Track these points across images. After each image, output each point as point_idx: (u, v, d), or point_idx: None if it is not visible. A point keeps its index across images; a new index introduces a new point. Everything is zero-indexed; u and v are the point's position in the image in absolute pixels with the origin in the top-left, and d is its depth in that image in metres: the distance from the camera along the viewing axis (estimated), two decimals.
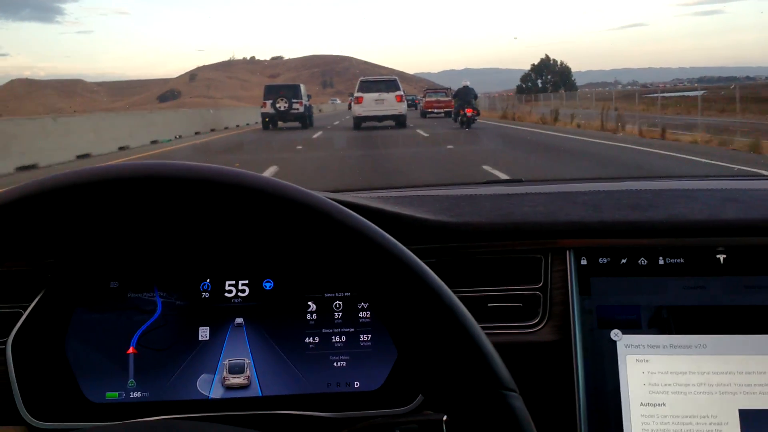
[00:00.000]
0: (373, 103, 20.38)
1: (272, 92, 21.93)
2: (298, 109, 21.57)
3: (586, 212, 0.80)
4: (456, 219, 0.80)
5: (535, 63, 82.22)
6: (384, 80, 21.90)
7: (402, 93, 21.08)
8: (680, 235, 0.74)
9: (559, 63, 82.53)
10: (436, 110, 29.96)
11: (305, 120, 22.23)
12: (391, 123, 20.62)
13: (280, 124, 21.80)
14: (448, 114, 28.80)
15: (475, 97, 19.55)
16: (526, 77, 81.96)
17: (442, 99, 30.62)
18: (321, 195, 0.44)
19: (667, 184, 0.96)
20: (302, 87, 23.04)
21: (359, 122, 20.62)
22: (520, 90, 74.42)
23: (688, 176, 1.12)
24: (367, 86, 21.00)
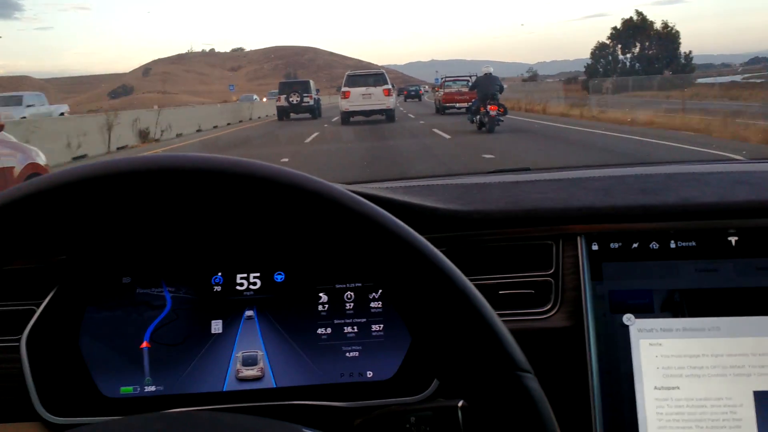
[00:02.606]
0: (360, 98, 20.10)
1: (286, 88, 25.89)
2: (308, 102, 25.09)
3: (597, 197, 0.79)
4: (466, 207, 0.80)
5: (617, 27, 51.92)
6: (371, 74, 21.76)
7: (390, 87, 20.69)
8: (691, 218, 0.74)
9: (659, 25, 50.31)
10: (457, 105, 22.93)
11: (314, 111, 25.77)
12: (381, 117, 20.37)
13: (292, 115, 25.55)
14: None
15: (501, 89, 14.47)
16: (600, 50, 51.93)
17: (464, 90, 23.56)
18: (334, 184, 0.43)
19: (676, 168, 0.96)
20: (311, 83, 26.57)
21: (347, 117, 20.28)
22: (591, 72, 49.79)
23: (698, 161, 1.11)
24: (354, 80, 20.75)
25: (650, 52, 50.12)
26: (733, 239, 0.73)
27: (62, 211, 0.41)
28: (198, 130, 21.06)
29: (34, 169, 4.76)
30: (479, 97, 14.31)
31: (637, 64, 50.02)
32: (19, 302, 0.78)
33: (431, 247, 0.42)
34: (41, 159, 4.96)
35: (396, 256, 0.41)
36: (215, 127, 23.07)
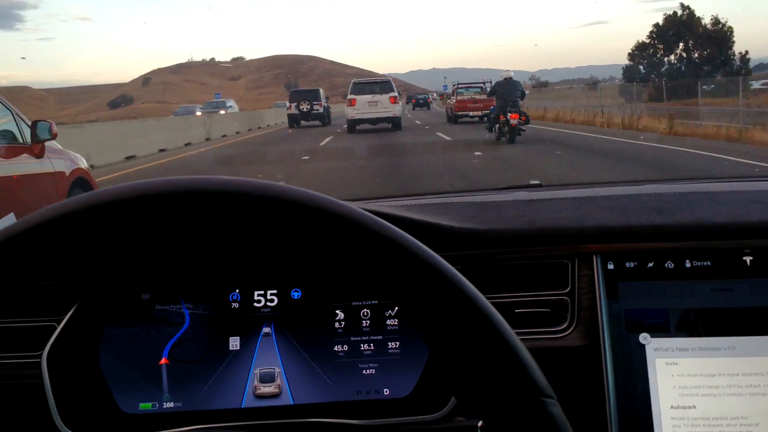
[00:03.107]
0: (366, 105, 19.96)
1: (296, 96, 26.73)
2: (318, 109, 25.87)
3: (612, 217, 0.80)
4: (482, 226, 0.80)
5: (659, 22, 44.67)
6: (377, 81, 21.64)
7: (396, 94, 20.57)
8: (706, 238, 0.75)
9: (708, 22, 42.27)
10: (471, 113, 21.61)
11: (324, 119, 26.33)
12: (387, 125, 20.06)
13: (303, 123, 26.16)
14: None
15: (523, 95, 13.17)
16: (640, 50, 44.95)
17: (478, 97, 22.10)
18: (353, 205, 0.44)
19: (690, 187, 0.97)
20: (321, 91, 27.38)
21: (353, 125, 20.09)
22: (629, 76, 43.26)
23: (710, 178, 1.13)
24: (360, 88, 20.61)
25: (699, 53, 43.09)
26: (748, 259, 0.73)
27: (88, 232, 0.42)
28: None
29: (79, 173, 5.29)
30: (498, 105, 12.95)
31: (683, 66, 43.50)
32: (40, 318, 0.79)
33: (455, 271, 0.43)
34: (83, 164, 5.46)
35: (420, 280, 0.41)
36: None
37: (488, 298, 0.43)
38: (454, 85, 25.61)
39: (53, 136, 4.69)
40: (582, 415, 0.69)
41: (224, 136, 22.84)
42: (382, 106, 20.00)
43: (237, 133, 24.60)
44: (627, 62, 47.73)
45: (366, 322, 0.77)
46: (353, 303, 0.78)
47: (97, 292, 0.78)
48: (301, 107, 26.03)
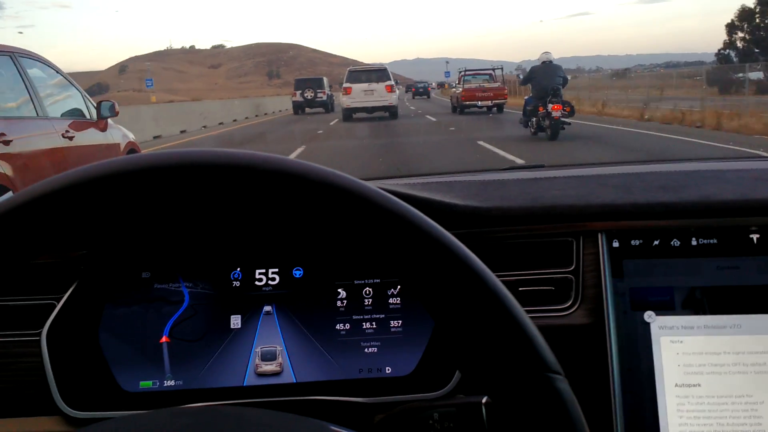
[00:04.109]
0: (362, 94, 19.62)
1: (301, 84, 28.17)
2: (321, 97, 27.54)
3: (617, 194, 0.80)
4: (486, 204, 0.81)
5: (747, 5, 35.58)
6: (373, 69, 21.30)
7: (392, 83, 20.15)
8: (713, 216, 0.75)
9: None
10: (479, 103, 20.09)
11: (327, 106, 27.98)
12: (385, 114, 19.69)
13: (307, 110, 27.70)
14: (499, 108, 20.10)
15: (565, 81, 11.05)
16: (741, 18, 35.66)
17: (487, 86, 20.77)
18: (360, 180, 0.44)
19: (695, 166, 0.97)
20: (325, 80, 28.74)
21: (349, 114, 19.80)
22: (725, 59, 34.71)
23: (717, 158, 1.12)
24: (356, 76, 20.23)
25: None
26: (755, 237, 0.73)
27: (86, 207, 0.40)
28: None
29: (131, 145, 5.95)
30: (535, 94, 10.86)
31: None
32: (40, 296, 0.79)
33: (462, 245, 0.42)
34: (132, 137, 6.12)
35: (427, 254, 0.41)
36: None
37: None
38: (460, 73, 23.41)
39: (115, 114, 5.35)
40: (586, 393, 0.68)
41: (235, 121, 25.02)
42: (379, 94, 19.71)
43: (234, 121, 25.59)
44: (725, 40, 35.98)
45: (368, 301, 0.78)
46: (355, 281, 0.78)
47: (97, 270, 0.78)
48: (305, 95, 27.54)
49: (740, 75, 23.66)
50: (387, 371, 0.76)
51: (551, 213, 0.79)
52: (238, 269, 0.79)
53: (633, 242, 0.75)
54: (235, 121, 24.66)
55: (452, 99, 23.60)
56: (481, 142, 11.16)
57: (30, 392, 0.76)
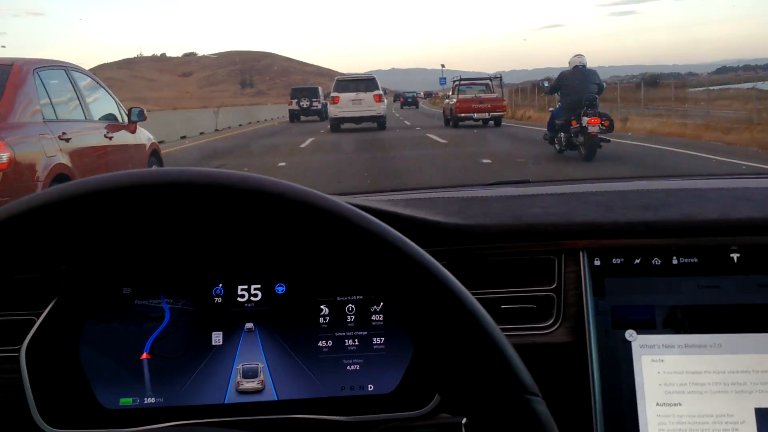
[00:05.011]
0: (350, 104, 19.30)
1: (297, 93, 29.78)
2: (317, 106, 28.85)
3: (599, 213, 0.80)
4: (468, 221, 0.81)
5: None
6: (362, 79, 20.96)
7: (381, 92, 19.87)
8: (694, 235, 0.75)
9: None
10: (475, 115, 18.35)
11: (322, 114, 28.37)
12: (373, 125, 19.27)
13: (303, 118, 28.98)
14: (496, 121, 18.42)
15: (600, 89, 9.32)
16: None
17: (484, 96, 18.96)
18: (339, 199, 0.44)
19: (677, 184, 0.98)
20: (320, 89, 30.45)
21: (337, 124, 19.41)
22: None
23: (699, 176, 1.15)
24: (344, 86, 19.92)
25: None
26: (735, 256, 0.74)
27: (69, 224, 0.41)
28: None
29: (154, 146, 6.66)
30: (566, 104, 8.94)
31: None
32: (19, 312, 0.78)
33: (439, 266, 0.42)
34: (154, 139, 6.80)
35: (404, 275, 0.41)
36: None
37: (474, 294, 0.44)
38: (454, 82, 21.08)
39: (144, 119, 6.23)
40: (567, 412, 0.69)
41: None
42: (367, 104, 19.38)
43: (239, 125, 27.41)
44: None
45: (351, 318, 0.77)
46: (338, 298, 0.78)
47: (78, 286, 0.77)
48: (301, 104, 29.11)
49: None
50: (369, 389, 0.76)
51: (533, 231, 0.79)
52: (220, 285, 0.79)
53: (614, 261, 0.75)
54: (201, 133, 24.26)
55: (445, 110, 21.35)
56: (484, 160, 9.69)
57: (8, 409, 0.75)
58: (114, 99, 6.19)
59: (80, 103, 5.34)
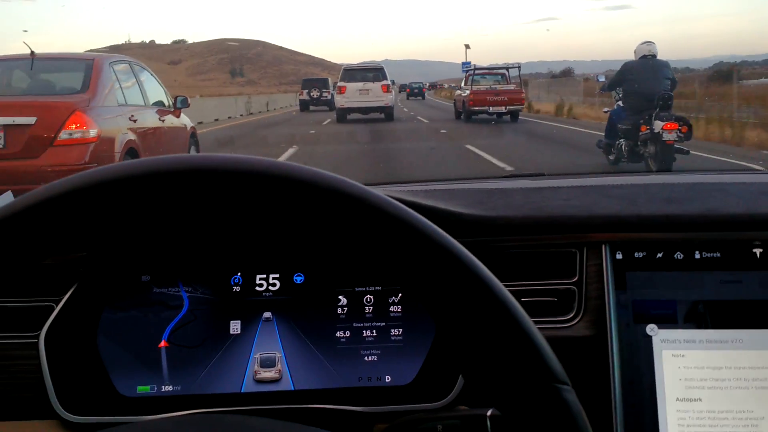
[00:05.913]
0: (357, 94, 18.80)
1: (308, 84, 31.28)
2: (326, 96, 29.77)
3: (621, 206, 0.80)
4: (490, 213, 0.80)
5: None
6: (369, 69, 20.53)
7: (389, 82, 19.32)
8: (716, 229, 0.75)
9: None
10: (490, 109, 15.66)
11: (331, 104, 28.93)
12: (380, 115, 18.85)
13: (312, 108, 30.38)
14: (513, 116, 16.24)
15: (674, 84, 7.11)
16: None
17: (501, 88, 16.75)
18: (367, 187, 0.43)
19: (699, 178, 0.97)
20: (329, 80, 31.69)
21: (343, 115, 19.10)
22: None
23: (721, 171, 1.12)
24: (351, 75, 19.48)
25: None
26: (758, 251, 0.73)
27: (88, 211, 0.41)
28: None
29: (192, 129, 7.56)
30: (632, 104, 7.03)
31: None
32: (39, 298, 0.78)
33: (468, 253, 0.42)
34: (192, 124, 7.64)
35: (435, 264, 0.41)
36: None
37: None
38: (467, 72, 19.28)
39: (187, 105, 7.16)
40: (587, 406, 0.66)
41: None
42: (374, 94, 18.84)
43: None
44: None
45: (369, 309, 0.78)
46: (356, 289, 0.78)
47: (97, 273, 0.78)
48: (311, 94, 30.42)
49: None
50: (387, 380, 0.76)
51: (555, 223, 0.79)
52: (239, 274, 0.79)
53: (636, 254, 0.75)
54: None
55: (456, 102, 19.19)
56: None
57: (27, 395, 0.75)
58: (162, 88, 7.20)
59: (141, 91, 6.41)
